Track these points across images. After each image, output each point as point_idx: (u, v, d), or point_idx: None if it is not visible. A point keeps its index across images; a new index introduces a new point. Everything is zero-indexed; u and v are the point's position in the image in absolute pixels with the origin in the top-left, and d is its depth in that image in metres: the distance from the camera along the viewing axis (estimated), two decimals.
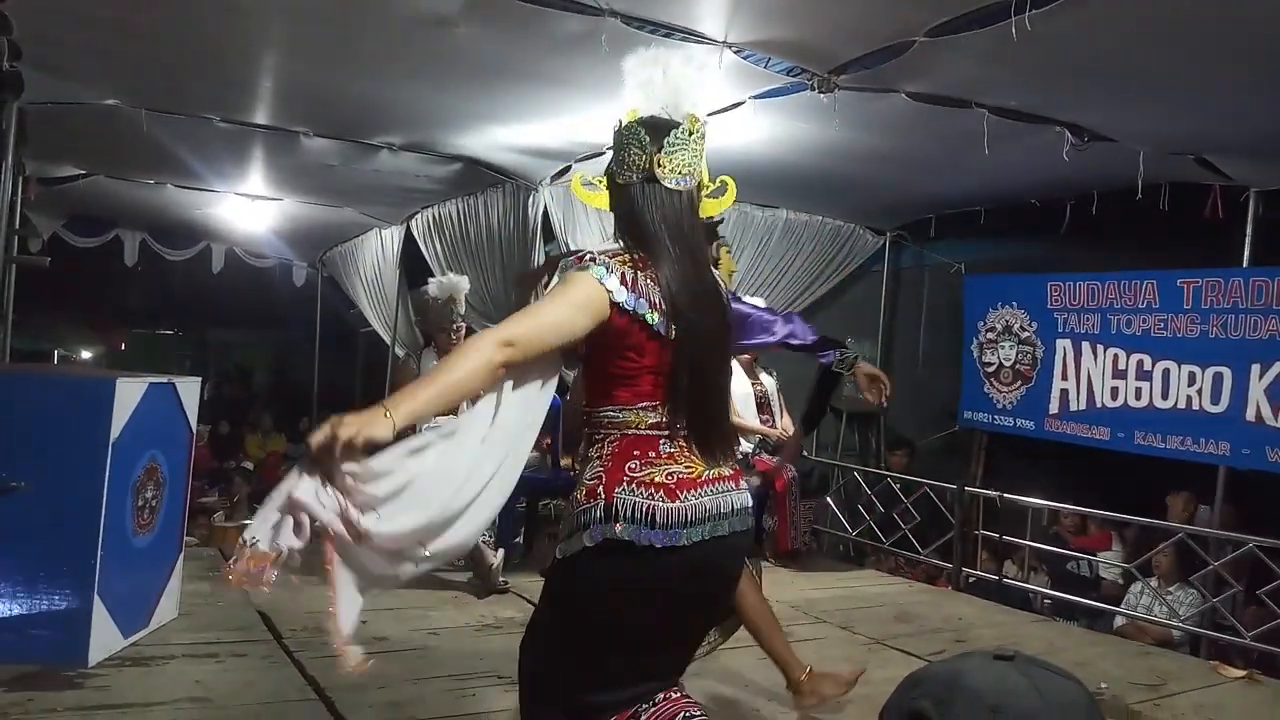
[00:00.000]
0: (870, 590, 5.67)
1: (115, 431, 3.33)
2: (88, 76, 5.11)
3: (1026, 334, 6.48)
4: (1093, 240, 6.37)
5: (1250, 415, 5.20)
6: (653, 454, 1.96)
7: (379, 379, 10.71)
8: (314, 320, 11.86)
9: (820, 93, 4.34)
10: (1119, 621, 5.42)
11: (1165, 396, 5.64)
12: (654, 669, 2.04)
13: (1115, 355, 5.93)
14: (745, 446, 5.99)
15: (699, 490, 1.95)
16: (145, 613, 3.72)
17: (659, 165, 2.02)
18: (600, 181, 2.17)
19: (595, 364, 2.04)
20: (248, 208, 8.48)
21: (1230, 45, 3.74)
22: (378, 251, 9.57)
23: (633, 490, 1.92)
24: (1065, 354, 6.23)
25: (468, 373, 1.84)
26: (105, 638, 3.40)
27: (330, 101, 5.40)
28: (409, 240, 8.61)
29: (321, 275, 11.62)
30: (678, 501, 1.92)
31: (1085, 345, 6.12)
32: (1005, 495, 5.76)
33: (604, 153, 5.90)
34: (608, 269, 1.95)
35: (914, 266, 7.97)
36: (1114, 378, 5.93)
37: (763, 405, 6.07)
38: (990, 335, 6.72)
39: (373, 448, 1.76)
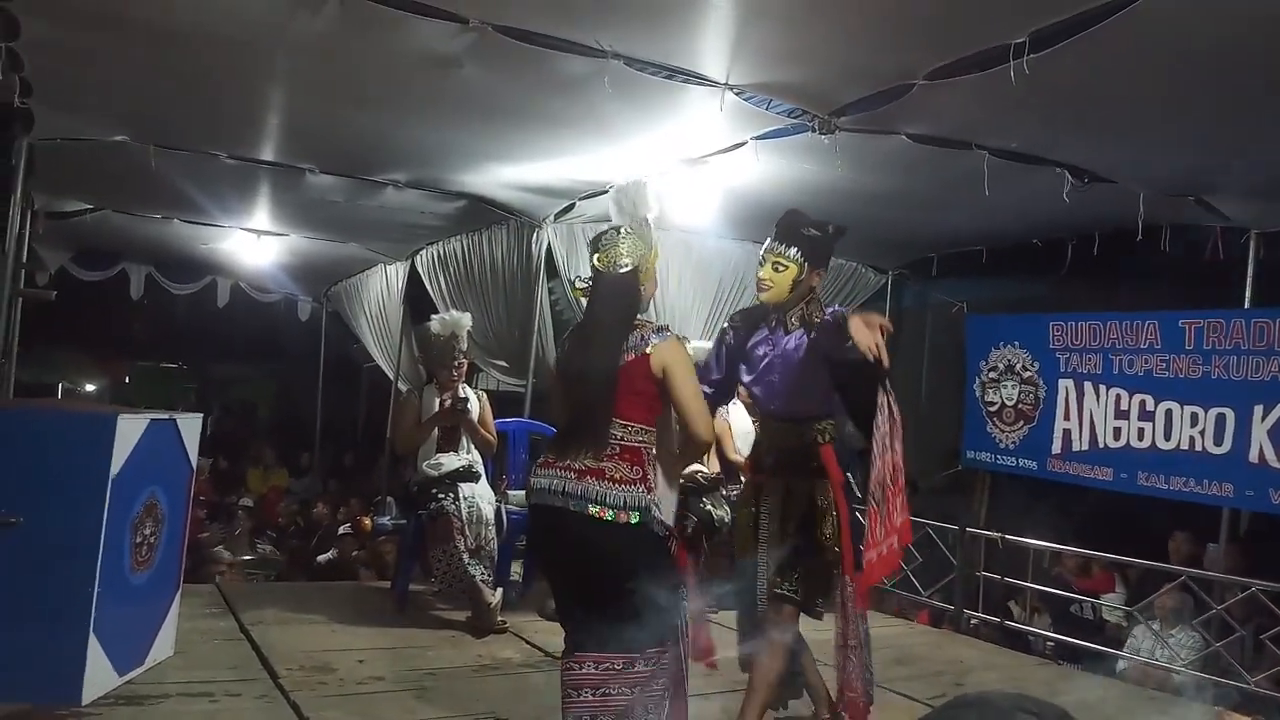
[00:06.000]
0: (871, 632, 5.57)
1: (115, 468, 3.32)
2: (97, 113, 5.17)
3: (1028, 374, 6.47)
4: (1094, 280, 6.38)
5: (1253, 457, 5.17)
6: (549, 445, 2.97)
7: (381, 414, 10.71)
8: (318, 355, 11.88)
9: (821, 134, 4.37)
10: (1121, 665, 5.36)
11: (1168, 437, 5.61)
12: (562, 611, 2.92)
13: (1118, 395, 5.91)
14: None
15: (546, 471, 2.81)
16: (141, 651, 3.69)
17: (597, 261, 2.92)
18: None
19: None
20: (253, 243, 8.53)
21: (1227, 89, 3.76)
22: (382, 287, 9.61)
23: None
24: (1067, 394, 6.21)
25: None
26: (100, 676, 3.36)
27: (336, 138, 5.45)
28: (413, 276, 8.64)
29: (326, 310, 11.66)
30: (534, 476, 2.85)
31: (1088, 385, 6.10)
32: (1006, 536, 5.71)
33: (607, 190, 5.95)
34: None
35: (916, 305, 7.98)
36: (1116, 418, 5.91)
37: None
38: (992, 375, 6.71)
39: None
